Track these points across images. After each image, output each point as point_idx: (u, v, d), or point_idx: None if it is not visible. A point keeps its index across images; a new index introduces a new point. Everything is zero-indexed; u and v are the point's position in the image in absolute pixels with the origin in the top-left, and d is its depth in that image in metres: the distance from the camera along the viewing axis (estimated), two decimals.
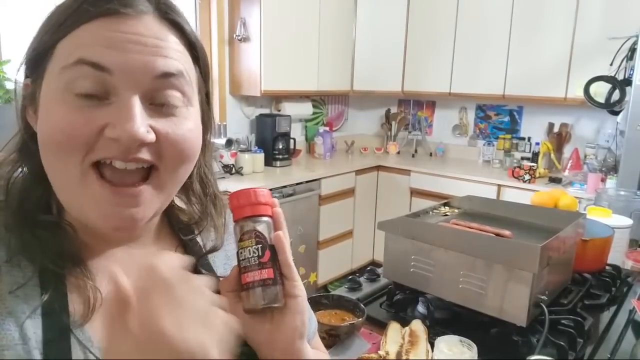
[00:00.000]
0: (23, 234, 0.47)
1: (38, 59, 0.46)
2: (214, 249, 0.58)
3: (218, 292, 0.52)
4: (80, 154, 0.44)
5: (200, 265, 0.57)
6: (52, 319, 0.45)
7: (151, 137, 0.45)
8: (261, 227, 0.51)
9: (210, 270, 0.58)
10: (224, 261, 0.61)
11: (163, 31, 0.47)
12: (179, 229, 0.59)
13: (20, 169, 0.50)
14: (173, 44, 0.47)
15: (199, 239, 0.60)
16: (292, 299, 0.51)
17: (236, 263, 0.53)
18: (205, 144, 0.55)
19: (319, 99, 4.07)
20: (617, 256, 1.47)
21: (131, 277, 0.53)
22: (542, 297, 1.01)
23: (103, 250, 0.51)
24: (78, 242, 0.49)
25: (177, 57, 0.47)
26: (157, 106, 0.47)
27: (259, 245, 0.50)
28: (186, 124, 0.49)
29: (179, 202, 0.60)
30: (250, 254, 0.50)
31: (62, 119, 0.43)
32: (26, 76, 0.49)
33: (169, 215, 0.59)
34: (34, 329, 0.44)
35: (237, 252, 0.52)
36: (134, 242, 0.54)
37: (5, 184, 0.49)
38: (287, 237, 0.52)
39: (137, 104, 0.44)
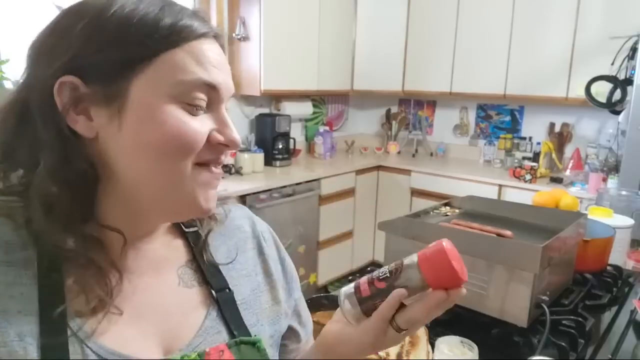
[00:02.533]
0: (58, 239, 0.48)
1: (128, 63, 0.48)
2: (231, 261, 0.62)
3: None
4: (194, 155, 0.50)
5: (203, 256, 0.60)
6: (49, 315, 0.46)
7: None
8: (411, 274, 0.53)
9: (210, 262, 0.61)
10: (226, 255, 0.63)
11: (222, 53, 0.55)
12: (181, 222, 0.62)
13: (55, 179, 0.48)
14: None
15: (200, 232, 0.62)
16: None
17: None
18: None
19: (318, 99, 4.06)
20: (619, 256, 1.47)
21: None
22: (543, 297, 1.01)
23: (115, 247, 0.53)
24: (107, 248, 0.51)
25: None
26: None
27: (387, 270, 0.54)
28: None
29: None
30: (381, 271, 0.55)
31: (184, 125, 0.49)
32: (77, 76, 0.47)
33: None
34: (30, 325, 0.45)
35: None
36: (148, 236, 0.56)
37: (40, 192, 0.48)
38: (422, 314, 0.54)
39: (227, 115, 0.54)
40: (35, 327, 0.45)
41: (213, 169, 0.53)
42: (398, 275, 0.53)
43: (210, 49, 0.51)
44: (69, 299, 0.48)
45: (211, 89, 0.50)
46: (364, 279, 0.56)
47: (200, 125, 0.50)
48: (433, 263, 0.51)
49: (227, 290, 0.60)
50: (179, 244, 0.61)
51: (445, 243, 0.52)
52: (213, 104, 0.52)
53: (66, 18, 0.49)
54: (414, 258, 0.53)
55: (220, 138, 0.52)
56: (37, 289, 0.47)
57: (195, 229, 0.62)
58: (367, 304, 0.55)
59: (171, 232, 0.61)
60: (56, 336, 0.46)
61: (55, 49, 0.48)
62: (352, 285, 0.57)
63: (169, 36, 0.48)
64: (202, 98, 0.50)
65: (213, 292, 0.59)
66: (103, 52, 0.47)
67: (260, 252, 0.68)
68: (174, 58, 0.48)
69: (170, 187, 0.50)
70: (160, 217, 0.55)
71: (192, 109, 0.49)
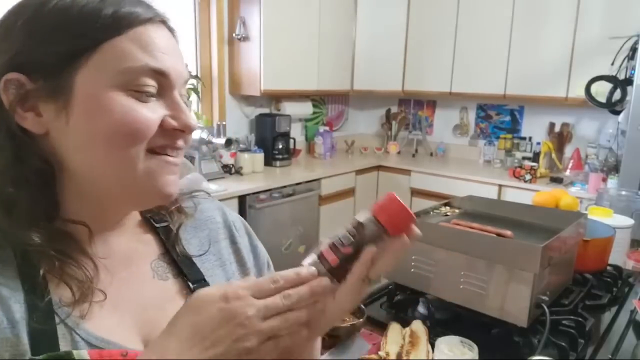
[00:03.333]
0: (22, 235, 0.47)
1: (71, 56, 0.47)
2: (204, 253, 0.63)
3: None
4: (145, 141, 0.49)
5: (175, 249, 0.61)
6: (35, 305, 0.47)
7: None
8: (370, 230, 0.53)
9: (184, 254, 0.61)
10: (198, 247, 0.64)
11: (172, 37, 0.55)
12: (150, 218, 0.62)
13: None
14: None
15: (171, 226, 0.62)
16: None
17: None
18: None
19: (318, 99, 4.06)
20: (619, 256, 1.47)
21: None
22: (543, 297, 1.01)
23: (84, 240, 0.53)
24: (76, 240, 0.51)
25: None
26: None
27: (348, 234, 0.53)
28: None
29: None
30: (341, 236, 0.53)
31: (133, 111, 0.48)
32: (21, 72, 0.47)
33: None
34: (20, 313, 0.46)
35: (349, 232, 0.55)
36: (117, 229, 0.56)
37: None
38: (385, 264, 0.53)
39: (181, 100, 0.53)
40: (25, 314, 0.46)
41: (169, 158, 0.52)
42: (362, 235, 0.54)
43: (157, 35, 0.50)
44: (53, 289, 0.48)
45: (160, 75, 0.50)
46: (325, 249, 0.54)
47: (151, 112, 0.49)
48: (389, 211, 0.54)
49: (204, 281, 0.60)
50: (149, 239, 0.61)
51: (392, 193, 0.56)
52: (164, 89, 0.51)
53: (8, 16, 0.49)
54: (367, 214, 0.55)
55: (174, 123, 0.51)
56: (21, 283, 0.47)
57: (166, 223, 0.62)
58: (338, 272, 0.55)
59: (141, 227, 0.61)
60: (44, 324, 0.46)
61: None
62: (312, 256, 0.55)
63: (111, 24, 0.47)
64: (150, 84, 0.49)
65: (190, 283, 0.59)
66: (44, 46, 0.46)
67: (233, 241, 0.68)
68: (117, 46, 0.48)
69: (126, 175, 0.50)
70: (124, 206, 0.55)
71: (140, 95, 0.48)
